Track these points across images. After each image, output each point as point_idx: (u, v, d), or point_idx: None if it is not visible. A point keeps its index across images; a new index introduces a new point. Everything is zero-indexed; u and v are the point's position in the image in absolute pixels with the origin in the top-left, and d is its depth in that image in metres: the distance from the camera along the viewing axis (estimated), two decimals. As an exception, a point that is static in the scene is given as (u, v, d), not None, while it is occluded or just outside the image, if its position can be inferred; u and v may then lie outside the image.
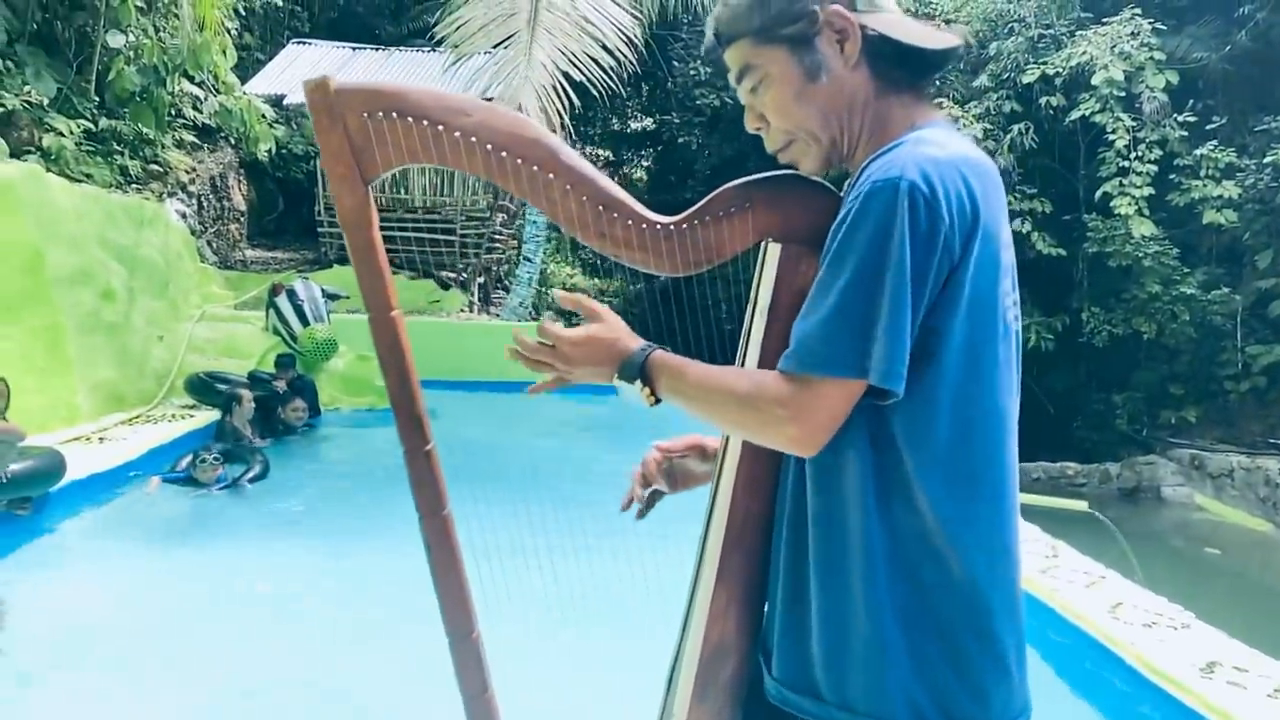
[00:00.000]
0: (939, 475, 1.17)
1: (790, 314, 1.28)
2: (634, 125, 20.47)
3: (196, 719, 3.50)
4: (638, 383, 1.27)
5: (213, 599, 4.69)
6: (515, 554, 3.51)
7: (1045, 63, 10.83)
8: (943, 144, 1.17)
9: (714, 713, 1.34)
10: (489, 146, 1.33)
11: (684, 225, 1.34)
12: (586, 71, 7.93)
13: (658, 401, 1.28)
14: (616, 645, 3.36)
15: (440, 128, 1.34)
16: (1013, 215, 11.07)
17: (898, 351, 1.11)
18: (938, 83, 12.48)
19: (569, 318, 1.38)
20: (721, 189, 1.36)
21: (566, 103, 7.82)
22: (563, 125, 7.76)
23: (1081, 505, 7.71)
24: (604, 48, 7.87)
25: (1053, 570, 4.63)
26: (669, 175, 18.66)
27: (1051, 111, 10.83)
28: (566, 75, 7.84)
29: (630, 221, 1.34)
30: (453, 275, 13.64)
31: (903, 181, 1.10)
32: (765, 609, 1.34)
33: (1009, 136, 11.07)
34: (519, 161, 1.33)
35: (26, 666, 3.85)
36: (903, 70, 1.27)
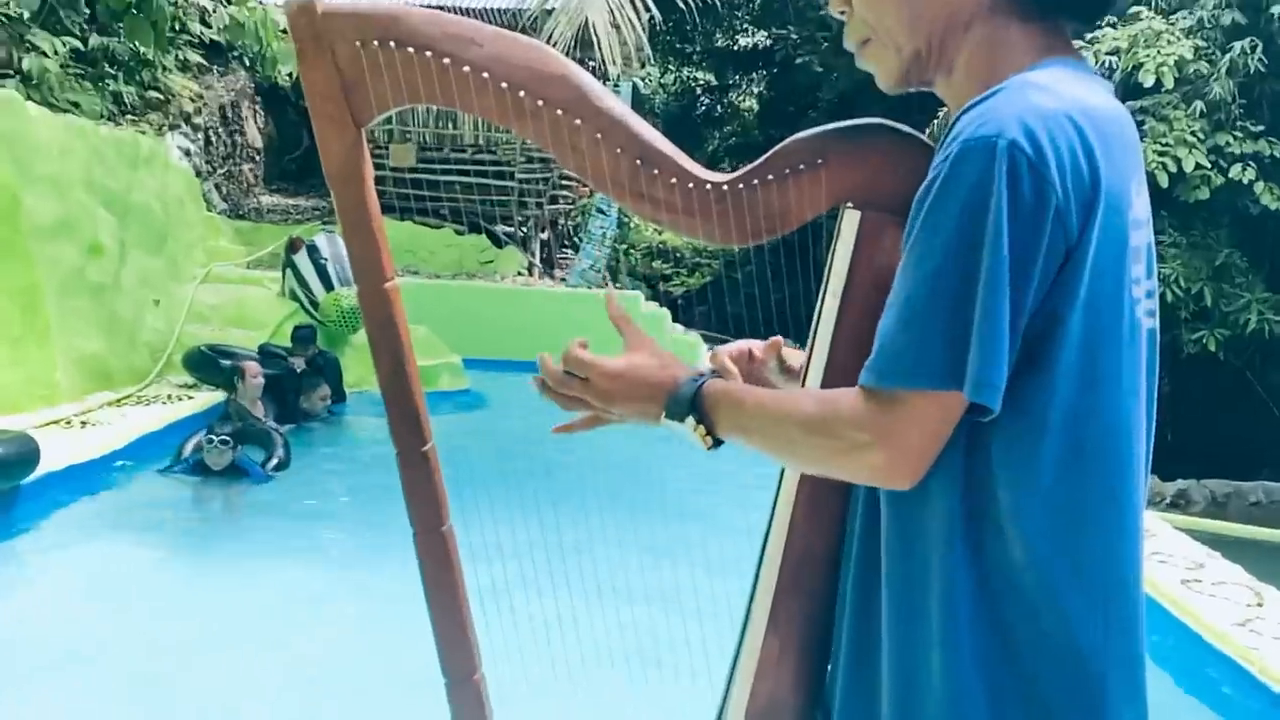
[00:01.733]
0: (1040, 508, 1.16)
1: (868, 297, 1.29)
2: (743, 41, 20.39)
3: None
4: (690, 420, 1.28)
5: (210, 613, 4.89)
6: (544, 576, 3.58)
7: (1280, -41, 10.44)
8: (1055, 89, 1.14)
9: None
10: (503, 84, 1.37)
11: (740, 185, 1.36)
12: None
13: (718, 444, 1.28)
14: (652, 693, 3.41)
15: (446, 61, 1.38)
16: (1232, 159, 10.75)
17: (994, 358, 1.09)
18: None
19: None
20: (789, 140, 1.38)
21: (645, 16, 7.81)
22: (639, 46, 7.75)
23: (1307, 539, 7.47)
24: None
25: (1254, 622, 4.52)
26: (785, 105, 18.56)
27: (1288, 24, 10.44)
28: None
29: (675, 180, 1.37)
30: (509, 230, 13.84)
31: (1000, 140, 1.09)
32: (827, 663, 1.36)
33: (1228, 57, 10.71)
34: (539, 103, 1.37)
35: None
36: None
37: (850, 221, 1.35)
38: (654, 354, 1.34)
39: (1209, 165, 10.77)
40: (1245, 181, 10.67)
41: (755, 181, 1.36)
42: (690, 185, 1.36)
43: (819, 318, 1.37)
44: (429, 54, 1.38)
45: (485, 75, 1.37)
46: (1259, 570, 5.37)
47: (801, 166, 1.35)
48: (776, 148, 1.38)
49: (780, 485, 1.39)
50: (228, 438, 6.80)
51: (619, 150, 1.36)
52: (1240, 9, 10.90)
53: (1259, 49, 10.65)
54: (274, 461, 7.02)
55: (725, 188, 1.36)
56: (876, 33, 1.30)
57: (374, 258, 1.46)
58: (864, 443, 1.15)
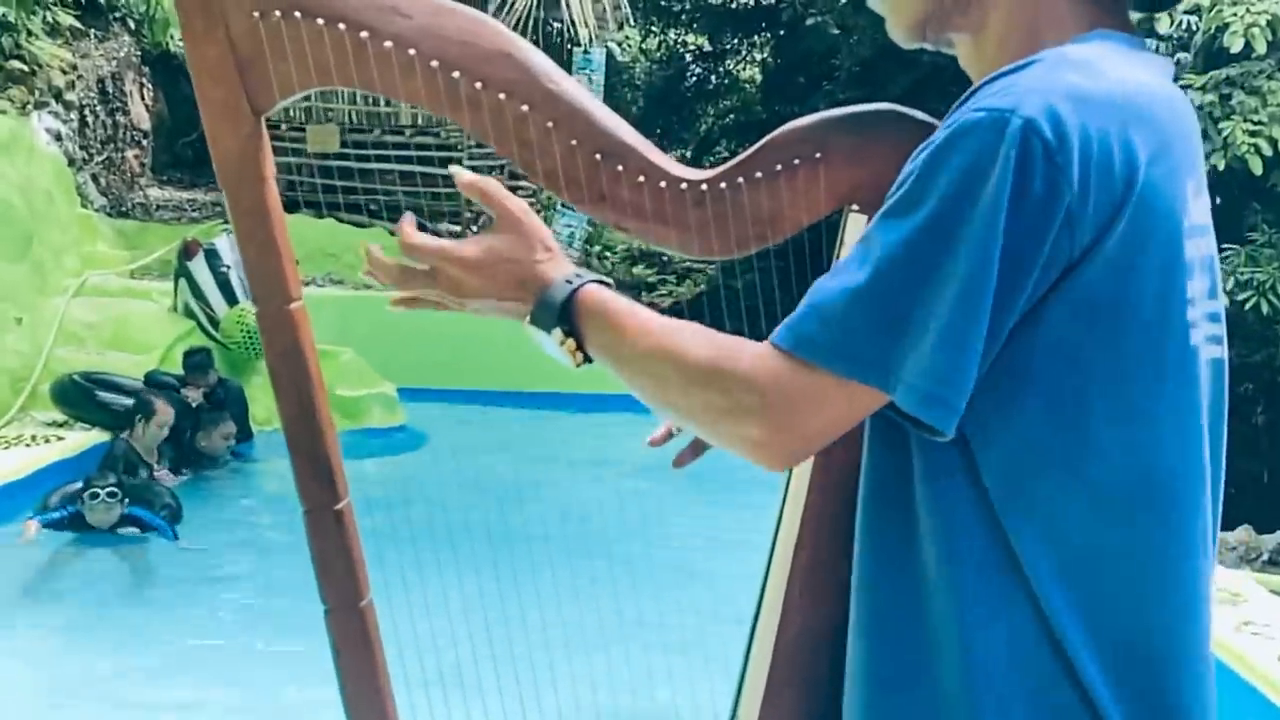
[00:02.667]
0: (1051, 557, 1.19)
1: None
2: (743, -1, 20.50)
3: None
4: (557, 331, 1.29)
5: (87, 690, 4.87)
6: (485, 661, 3.58)
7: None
8: (1098, 68, 1.17)
9: None
10: (434, 63, 1.39)
11: (723, 184, 1.39)
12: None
13: (586, 360, 1.30)
14: None
15: (364, 34, 1.40)
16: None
17: (951, 369, 1.11)
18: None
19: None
20: (782, 130, 1.40)
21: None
22: (616, 5, 7.80)
23: None
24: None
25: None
26: (794, 75, 18.61)
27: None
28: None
29: (643, 177, 1.39)
30: (456, 229, 13.84)
31: (1015, 117, 1.10)
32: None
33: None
34: (478, 85, 1.39)
35: None
36: None
37: (855, 227, 1.37)
38: (525, 240, 1.34)
39: (1312, 147, 10.85)
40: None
41: (741, 180, 1.38)
42: (662, 184, 1.38)
43: None
44: (343, 26, 1.40)
45: (411, 52, 1.39)
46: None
47: (796, 161, 1.37)
48: (766, 139, 1.40)
49: (773, 548, 1.41)
50: (114, 489, 6.77)
51: (574, 142, 1.39)
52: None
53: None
54: (169, 519, 6.98)
55: (704, 187, 1.38)
56: None
57: (275, 271, 1.48)
58: (750, 407, 1.18)
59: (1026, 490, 1.19)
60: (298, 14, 1.40)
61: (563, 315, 1.28)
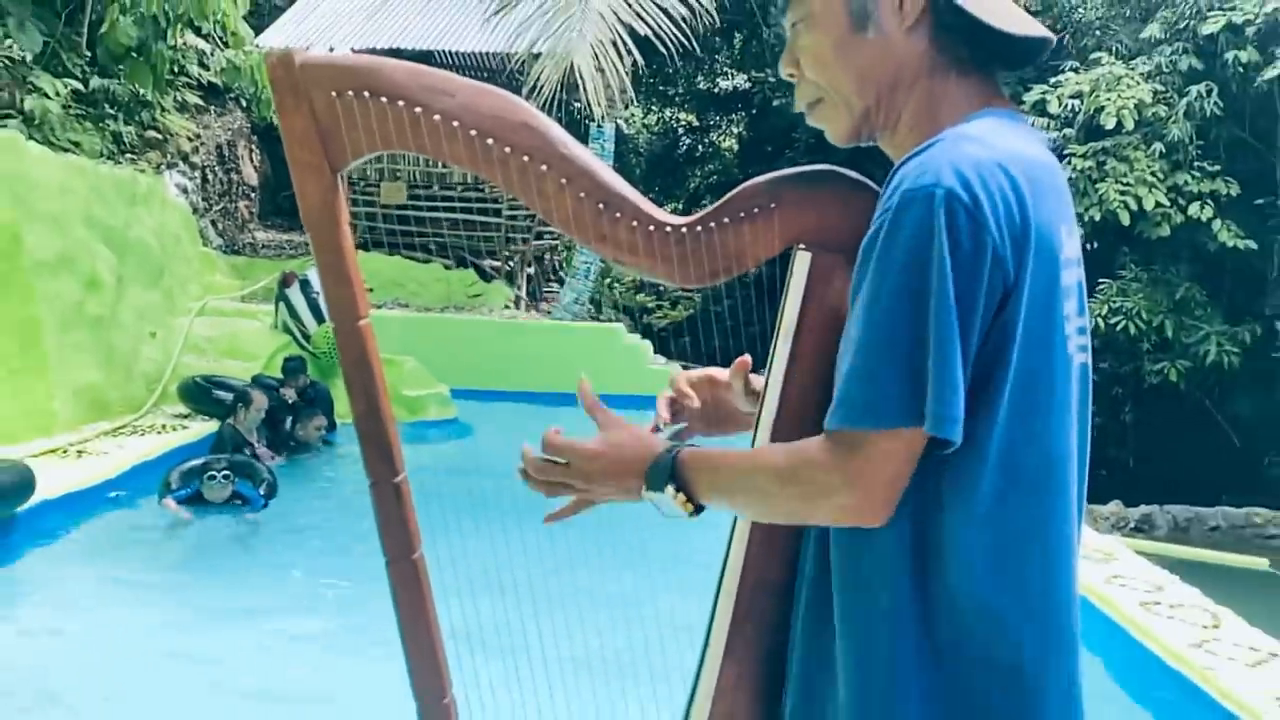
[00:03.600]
0: (982, 537, 1.19)
1: (820, 337, 1.31)
2: (723, 84, 20.54)
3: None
4: (669, 489, 1.28)
5: (202, 646, 4.85)
6: (524, 609, 3.57)
7: (1233, 8, 10.58)
8: (987, 140, 1.18)
9: (718, 806, 1.37)
10: (473, 132, 1.39)
11: (698, 228, 1.38)
12: (653, 22, 7.99)
13: (698, 510, 1.28)
14: (617, 711, 3.42)
15: (418, 110, 1.40)
16: (1191, 198, 10.85)
17: (951, 394, 1.12)
18: (1097, 34, 12.32)
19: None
20: (745, 185, 1.40)
21: (628, 59, 7.88)
22: (622, 88, 7.81)
23: (1261, 563, 7.50)
24: (677, -6, 7.93)
25: (1210, 644, 4.54)
26: (764, 144, 18.65)
27: (1241, 69, 10.59)
28: (629, 27, 7.91)
29: (636, 222, 1.39)
30: (497, 265, 13.86)
31: (938, 190, 1.12)
32: (782, 687, 1.37)
33: (1185, 100, 10.87)
34: (507, 150, 1.39)
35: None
36: (971, 50, 1.28)
37: (802, 263, 1.37)
38: (628, 431, 1.35)
39: (1168, 203, 10.89)
40: (1203, 219, 10.78)
41: (712, 224, 1.38)
42: (650, 228, 1.38)
43: (772, 357, 1.38)
44: (401, 104, 1.40)
45: (455, 124, 1.39)
46: (1216, 593, 5.39)
47: (756, 210, 1.37)
48: (733, 192, 1.40)
49: (736, 518, 1.41)
50: (228, 471, 6.79)
51: (582, 195, 1.38)
52: (1196, 55, 11.06)
53: (1214, 93, 10.79)
54: (265, 493, 6.98)
55: (684, 230, 1.38)
56: (827, 93, 1.33)
57: (348, 297, 1.47)
58: (835, 485, 1.17)
59: (974, 484, 1.19)
60: (366, 94, 1.40)
61: (672, 475, 1.28)
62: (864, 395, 1.15)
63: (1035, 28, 1.28)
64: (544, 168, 1.39)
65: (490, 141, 1.39)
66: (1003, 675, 1.20)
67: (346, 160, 1.44)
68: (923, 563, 1.20)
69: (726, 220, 1.38)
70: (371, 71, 1.42)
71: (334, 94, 1.41)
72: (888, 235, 1.15)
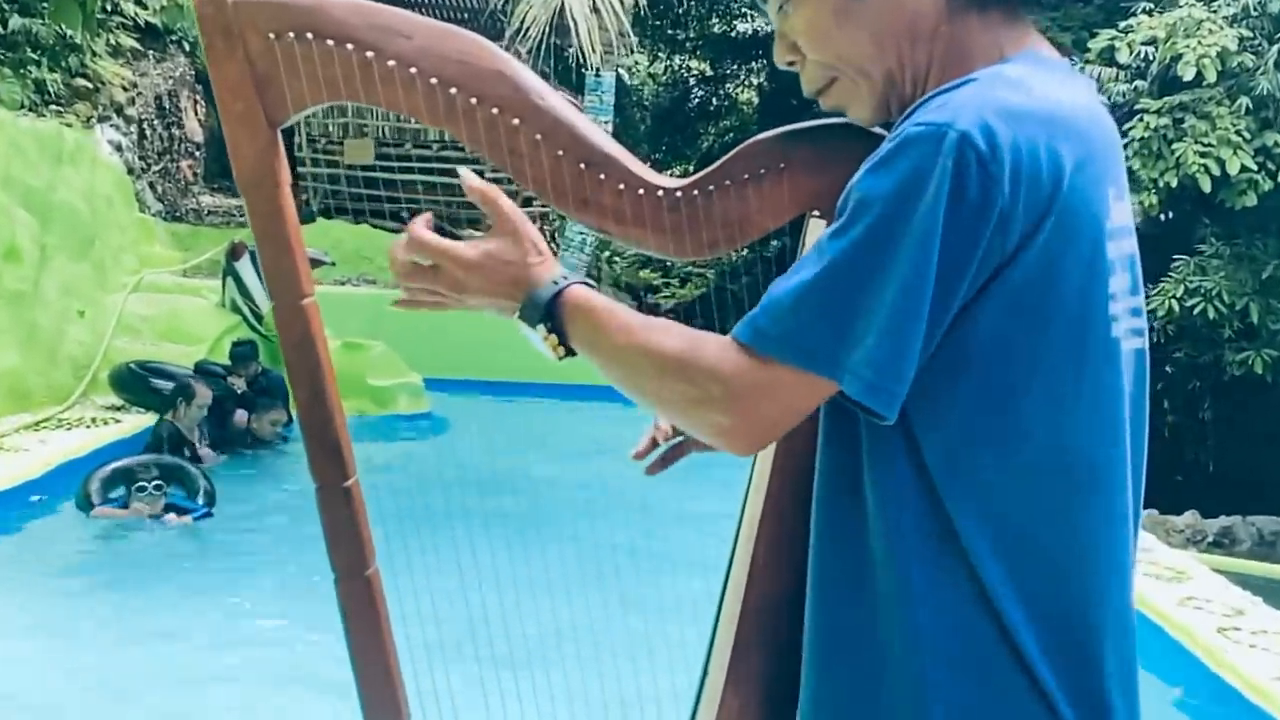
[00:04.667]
0: (983, 530, 1.18)
1: None
2: (741, 27, 20.44)
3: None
4: (541, 328, 1.29)
5: (117, 675, 4.86)
6: (496, 627, 3.57)
7: (1332, -57, 10.51)
8: (1028, 85, 1.17)
9: None
10: (432, 80, 1.38)
11: (695, 192, 1.38)
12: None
13: (569, 354, 1.30)
14: None
15: (369, 54, 1.39)
16: (1281, 161, 10.76)
17: (893, 355, 1.12)
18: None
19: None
20: (748, 142, 1.39)
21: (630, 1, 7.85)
22: (621, 31, 7.79)
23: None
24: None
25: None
26: (787, 97, 18.54)
27: (1341, 13, 10.51)
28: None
29: (623, 185, 1.38)
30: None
31: (951, 130, 1.10)
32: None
33: (1276, 48, 10.76)
34: (472, 101, 1.38)
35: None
36: None
37: (815, 231, 1.36)
38: (519, 242, 1.33)
39: (1256, 168, 10.79)
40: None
41: (711, 187, 1.37)
42: (640, 191, 1.37)
43: None
44: (350, 47, 1.38)
45: (412, 70, 1.37)
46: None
47: (763, 171, 1.37)
48: (736, 150, 1.40)
49: (740, 525, 1.40)
50: (159, 481, 6.78)
51: (561, 153, 1.37)
52: (1290, -5, 10.97)
53: (1311, 40, 10.71)
54: (200, 500, 6.96)
55: (679, 194, 1.37)
56: (839, 69, 1.31)
57: (289, 269, 1.46)
58: (716, 398, 1.18)
59: (964, 470, 1.18)
60: (309, 35, 1.38)
61: (547, 313, 1.28)
62: (788, 321, 1.15)
63: None
64: (516, 121, 1.37)
65: (453, 91, 1.38)
66: (1015, 690, 1.20)
67: (287, 113, 1.43)
68: (937, 562, 1.20)
69: (728, 183, 1.37)
70: (315, 10, 1.40)
71: (271, 36, 1.40)
72: (883, 162, 1.15)
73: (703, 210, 1.37)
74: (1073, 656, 1.22)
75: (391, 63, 1.38)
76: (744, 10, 20.23)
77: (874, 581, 1.22)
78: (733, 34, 20.38)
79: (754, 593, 1.37)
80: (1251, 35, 11.03)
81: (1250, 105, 10.93)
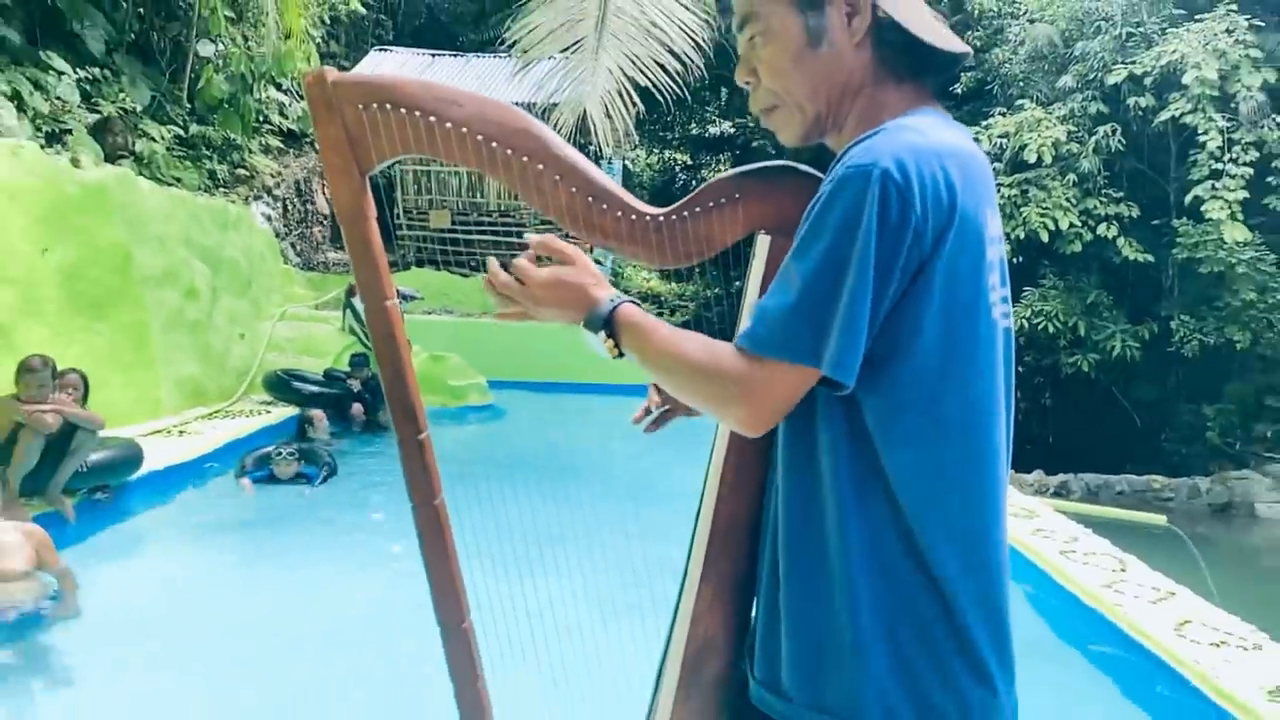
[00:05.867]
0: (909, 470, 1.14)
1: None
2: (712, 130, 20.43)
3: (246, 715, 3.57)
4: (602, 334, 1.26)
5: (277, 595, 4.79)
6: (535, 550, 3.51)
7: (1134, 62, 10.47)
8: (925, 131, 1.13)
9: (697, 712, 1.32)
10: (479, 137, 1.34)
11: (673, 217, 1.33)
12: (652, 77, 7.93)
13: (620, 355, 1.26)
14: (611, 639, 3.38)
15: (432, 119, 1.34)
16: (1098, 219, 10.75)
17: (851, 343, 1.08)
18: (1020, 84, 12.20)
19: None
20: (713, 180, 1.34)
21: (632, 108, 7.82)
22: (627, 132, 7.76)
23: (1160, 519, 7.41)
24: (671, 53, 7.85)
25: (1119, 584, 4.47)
26: (746, 180, 18.59)
27: (1140, 112, 10.46)
28: (633, 80, 7.85)
29: (620, 213, 1.33)
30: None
31: (875, 169, 1.07)
32: (752, 610, 1.31)
33: (1094, 138, 10.74)
34: (509, 152, 1.33)
35: (97, 648, 4.00)
36: (907, 62, 1.23)
37: (763, 246, 1.32)
38: (585, 271, 1.30)
39: (1080, 224, 10.76)
40: (1109, 237, 10.67)
41: (685, 214, 1.33)
42: (633, 217, 1.33)
43: (738, 328, 1.33)
44: (418, 113, 1.34)
45: (465, 130, 1.33)
46: (1122, 544, 5.33)
47: (723, 201, 1.32)
48: (702, 185, 1.35)
49: (710, 461, 1.35)
50: (295, 451, 6.71)
51: (574, 190, 1.33)
52: (1103, 101, 10.95)
53: (1118, 132, 10.68)
54: (324, 473, 6.89)
55: (661, 219, 1.33)
56: (782, 100, 1.27)
57: (377, 282, 1.41)
58: (735, 396, 1.14)
59: (895, 425, 1.14)
60: (388, 105, 1.34)
61: (606, 324, 1.25)
62: (779, 329, 1.12)
63: (958, 44, 1.24)
64: (541, 167, 1.33)
65: (495, 145, 1.33)
66: (928, 586, 1.15)
67: (373, 163, 1.38)
68: (862, 492, 1.15)
69: (698, 210, 1.32)
70: (392, 87, 1.36)
71: (360, 106, 1.35)
72: (827, 202, 1.11)
73: (680, 231, 1.32)
74: (975, 566, 1.16)
75: (449, 125, 1.33)
76: (713, 118, 20.23)
77: (822, 508, 1.17)
78: (706, 134, 20.41)
79: (721, 512, 1.32)
80: (1077, 129, 11.01)
81: (1076, 179, 10.90)
